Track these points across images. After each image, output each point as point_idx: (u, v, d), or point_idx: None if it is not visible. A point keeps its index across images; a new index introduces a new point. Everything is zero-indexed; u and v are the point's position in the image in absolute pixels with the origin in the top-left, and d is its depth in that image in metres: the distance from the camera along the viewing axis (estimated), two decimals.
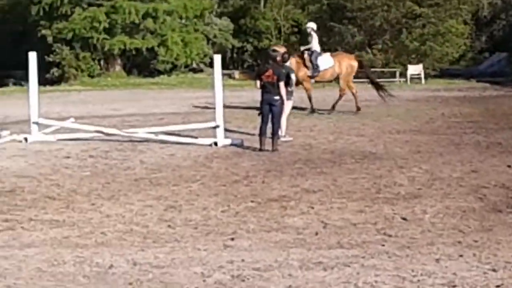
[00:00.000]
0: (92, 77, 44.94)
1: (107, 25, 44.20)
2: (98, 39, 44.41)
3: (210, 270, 7.51)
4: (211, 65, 36.19)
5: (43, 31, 45.20)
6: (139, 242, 8.64)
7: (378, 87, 24.73)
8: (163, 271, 7.48)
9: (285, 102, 16.20)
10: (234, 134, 17.66)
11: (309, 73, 23.40)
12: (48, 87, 35.45)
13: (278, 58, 16.45)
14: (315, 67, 23.42)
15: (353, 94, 23.77)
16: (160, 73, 46.46)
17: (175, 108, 25.51)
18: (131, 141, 16.70)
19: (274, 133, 15.66)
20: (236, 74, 46.41)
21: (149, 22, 45.10)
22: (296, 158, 14.71)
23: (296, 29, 51.09)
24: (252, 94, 25.05)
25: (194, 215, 10.00)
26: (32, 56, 17.66)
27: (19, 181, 12.26)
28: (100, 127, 17.72)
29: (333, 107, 23.41)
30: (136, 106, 26.27)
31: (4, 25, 55.35)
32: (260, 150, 15.48)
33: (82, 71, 44.73)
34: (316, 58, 23.45)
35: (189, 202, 10.80)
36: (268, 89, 15.69)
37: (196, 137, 16.84)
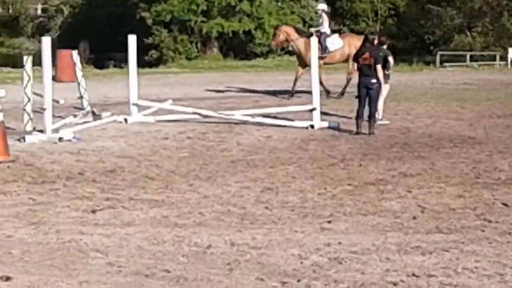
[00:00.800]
0: (190, 59, 45.43)
1: (204, 8, 44.54)
2: (196, 22, 44.83)
3: (307, 252, 7.52)
4: None
5: (142, 14, 45.88)
6: (236, 223, 8.71)
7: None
8: (260, 252, 7.53)
9: (383, 85, 16.06)
10: (330, 117, 17.60)
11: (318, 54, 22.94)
12: (146, 69, 35.97)
13: (375, 41, 16.30)
14: (324, 49, 22.79)
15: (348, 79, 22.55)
16: (256, 55, 46.63)
17: (272, 91, 25.56)
18: (227, 123, 16.83)
19: (371, 116, 15.54)
20: None
21: (245, 5, 45.25)
22: (393, 142, 14.58)
23: (393, 12, 50.50)
24: None
25: (291, 197, 10.03)
26: (132, 39, 17.95)
27: (120, 161, 12.51)
28: (197, 109, 17.89)
29: (342, 93, 22.42)
30: (232, 88, 26.42)
31: (104, 8, 56.49)
32: (357, 133, 15.40)
33: (180, 53, 45.29)
34: (325, 39, 22.86)
35: (286, 184, 10.83)
36: (365, 72, 15.59)
37: (292, 120, 16.85)
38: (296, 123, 16.56)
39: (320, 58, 22.52)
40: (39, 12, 72.64)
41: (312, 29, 23.82)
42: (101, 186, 10.63)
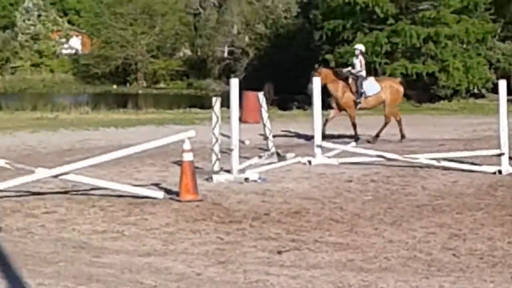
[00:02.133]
0: None
1: (388, 49, 44.46)
2: (379, 64, 44.79)
3: None
4: (493, 90, 35.17)
5: (326, 56, 46.33)
6: (423, 270, 8.57)
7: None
8: None
9: None
10: None
11: (354, 98, 21.95)
12: (329, 111, 36.15)
13: None
14: (360, 93, 21.87)
15: (397, 121, 22.38)
16: (440, 98, 45.91)
17: (457, 134, 25.07)
18: (412, 166, 16.59)
19: None
20: None
21: (430, 47, 44.80)
22: None
23: None
24: None
25: (479, 245, 9.76)
26: (316, 81, 18.15)
27: (304, 203, 12.60)
28: (381, 151, 17.76)
29: (377, 135, 21.87)
30: (416, 131, 26.07)
31: (288, 51, 57.56)
32: None
33: None
34: (361, 83, 21.91)
35: (474, 231, 10.55)
36: None
37: (479, 164, 16.41)
38: (483, 168, 16.12)
39: (356, 103, 22.03)
40: (225, 54, 74.95)
41: (348, 70, 22.79)
42: (286, 227, 10.74)
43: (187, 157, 12.90)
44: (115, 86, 78.77)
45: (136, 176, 15.38)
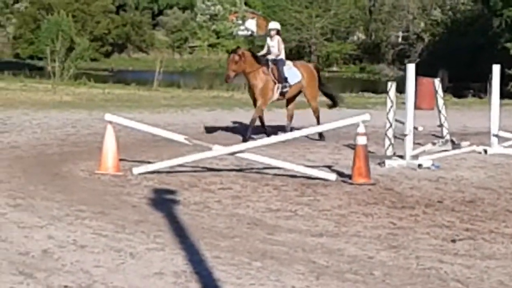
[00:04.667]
0: None
1: None
2: None
3: None
4: None
5: (505, 44, 45.01)
6: None
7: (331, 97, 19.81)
8: None
9: None
10: None
11: (276, 89, 18.12)
12: (507, 100, 35.10)
13: None
14: (285, 81, 18.19)
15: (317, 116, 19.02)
16: None
17: None
18: None
19: None
20: None
21: None
22: None
23: None
24: None
25: None
26: (496, 69, 17.66)
27: (479, 192, 12.32)
28: None
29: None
30: None
31: (464, 38, 56.25)
32: None
33: None
34: (283, 69, 18.20)
35: None
36: None
37: None
38: None
39: (281, 93, 18.24)
40: (399, 39, 74.14)
41: (263, 54, 18.86)
42: (460, 216, 10.55)
43: (361, 140, 12.88)
44: None
45: (308, 157, 15.54)
